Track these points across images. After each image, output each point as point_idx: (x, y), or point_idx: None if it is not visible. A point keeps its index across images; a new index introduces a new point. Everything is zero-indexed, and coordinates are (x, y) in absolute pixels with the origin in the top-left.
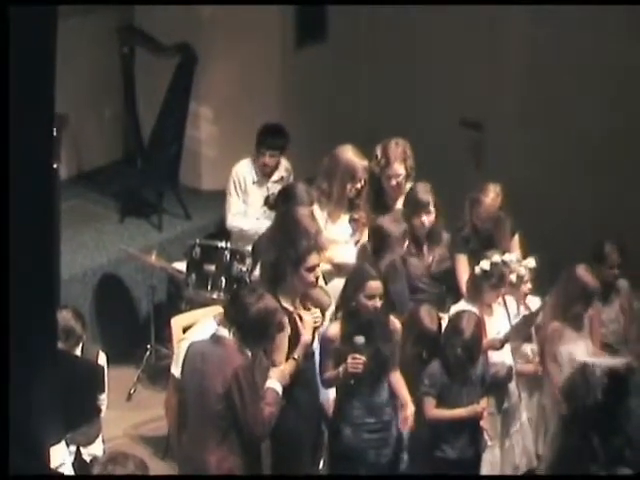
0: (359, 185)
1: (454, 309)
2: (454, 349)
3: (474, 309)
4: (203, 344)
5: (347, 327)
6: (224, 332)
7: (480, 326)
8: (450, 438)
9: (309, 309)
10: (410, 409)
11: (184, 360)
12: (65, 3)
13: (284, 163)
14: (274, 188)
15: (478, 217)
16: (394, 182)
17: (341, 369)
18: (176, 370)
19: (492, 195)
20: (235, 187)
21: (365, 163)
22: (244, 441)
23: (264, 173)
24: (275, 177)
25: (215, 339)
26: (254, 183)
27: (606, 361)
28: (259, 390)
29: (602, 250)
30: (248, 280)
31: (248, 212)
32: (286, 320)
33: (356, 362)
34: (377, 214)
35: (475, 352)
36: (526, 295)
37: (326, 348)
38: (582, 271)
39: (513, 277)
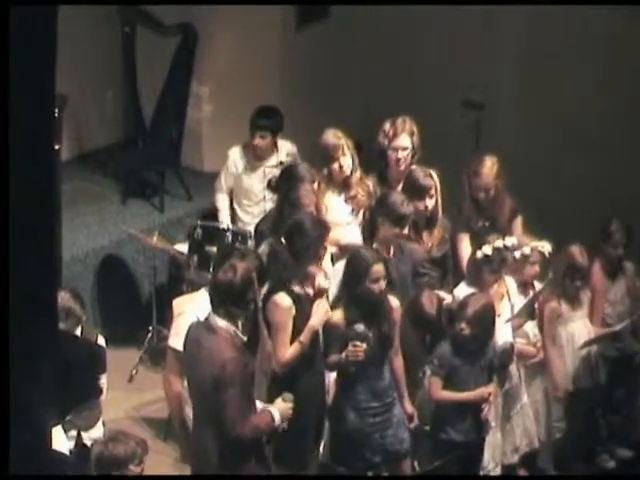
0: (347, 161)
1: (456, 292)
2: (459, 325)
3: (474, 291)
4: (199, 330)
5: (351, 313)
6: (216, 319)
7: (491, 308)
8: (455, 421)
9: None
10: (409, 404)
11: (184, 343)
12: (66, 3)
13: (286, 147)
14: (274, 173)
15: (476, 188)
16: (400, 155)
17: (343, 355)
18: (175, 343)
19: (488, 164)
20: (226, 170)
21: (340, 141)
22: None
23: (256, 156)
24: (272, 162)
25: (208, 325)
26: (247, 168)
27: (600, 333)
28: (249, 387)
29: (608, 228)
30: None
31: (248, 196)
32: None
33: (356, 350)
34: (380, 191)
35: (479, 330)
36: (532, 277)
37: (330, 334)
38: (572, 248)
39: (517, 254)
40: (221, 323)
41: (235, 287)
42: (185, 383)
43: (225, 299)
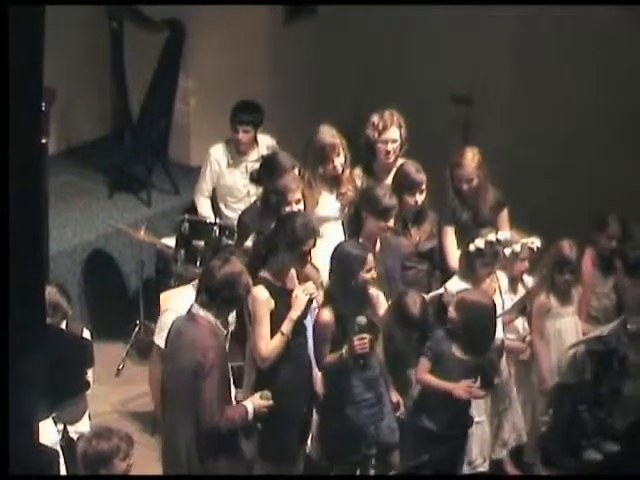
0: (340, 160)
1: (449, 285)
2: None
3: (467, 285)
4: (181, 320)
5: (345, 307)
6: (198, 309)
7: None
8: (433, 410)
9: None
10: (396, 393)
11: (167, 336)
12: (64, 3)
13: (266, 141)
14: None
15: (458, 179)
16: (389, 147)
17: (344, 351)
18: (159, 340)
19: (469, 155)
20: (207, 169)
21: (336, 141)
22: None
23: (239, 151)
24: (254, 156)
25: (190, 316)
26: (230, 165)
27: (589, 335)
28: (226, 378)
29: (605, 220)
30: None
31: (232, 193)
32: (250, 282)
33: (363, 342)
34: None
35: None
36: (522, 273)
37: (321, 334)
38: (562, 242)
39: (507, 251)
40: (203, 313)
41: (229, 281)
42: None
43: (216, 292)
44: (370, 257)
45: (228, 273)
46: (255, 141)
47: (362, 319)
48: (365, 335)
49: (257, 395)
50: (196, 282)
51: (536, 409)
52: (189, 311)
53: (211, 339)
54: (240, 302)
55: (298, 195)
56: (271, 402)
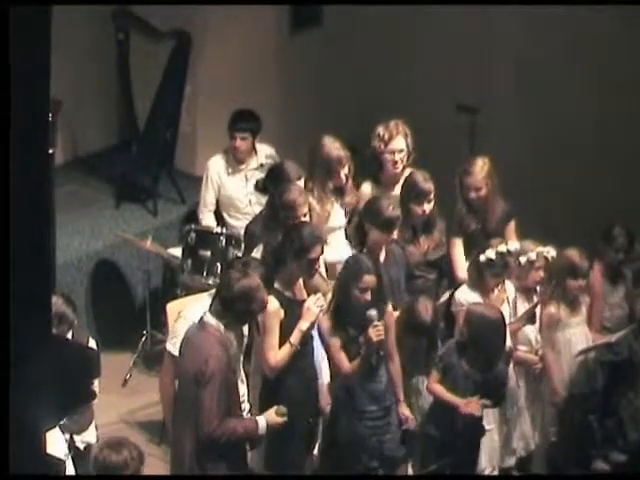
0: (344, 173)
1: (458, 294)
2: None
3: (476, 295)
4: (192, 329)
5: (338, 319)
6: (210, 318)
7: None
8: (442, 419)
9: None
10: (406, 408)
11: (180, 346)
12: (65, 3)
13: (264, 150)
14: (256, 176)
15: (467, 188)
16: (396, 157)
17: (362, 343)
18: (171, 347)
19: (480, 164)
20: (208, 181)
21: (342, 153)
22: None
23: (237, 159)
24: (253, 165)
25: (201, 324)
26: (229, 175)
27: (597, 342)
28: (229, 388)
29: (610, 232)
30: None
31: (234, 204)
32: (267, 298)
33: (378, 330)
34: (374, 193)
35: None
36: (536, 282)
37: (323, 336)
38: (572, 252)
39: (523, 260)
40: (214, 322)
41: (246, 294)
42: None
43: (231, 304)
44: (369, 278)
45: (246, 286)
46: (253, 149)
47: (373, 312)
48: (378, 323)
49: (272, 410)
50: (212, 291)
51: (545, 419)
52: (201, 319)
53: (216, 348)
54: (253, 317)
55: (305, 209)
56: (286, 419)
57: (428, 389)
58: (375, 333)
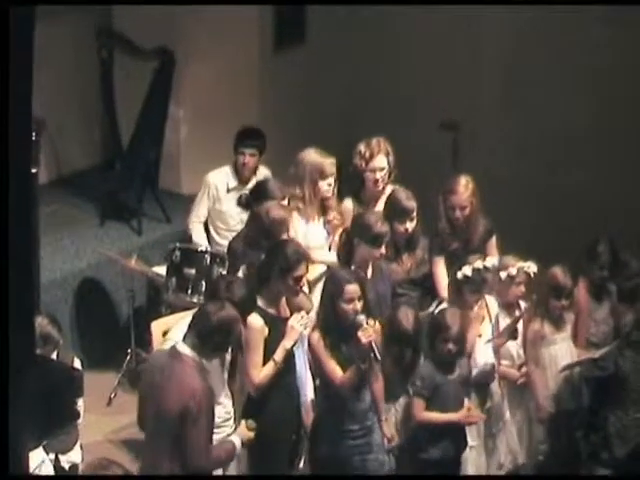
0: (330, 181)
1: (432, 310)
2: (444, 345)
3: (446, 307)
4: (163, 357)
5: (329, 337)
6: (183, 347)
7: (466, 320)
8: (433, 438)
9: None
10: (390, 427)
11: (143, 369)
12: (62, 3)
13: (262, 170)
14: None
15: (451, 207)
16: (378, 176)
17: (355, 349)
18: None
19: (463, 183)
20: (205, 195)
21: (331, 160)
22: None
23: (242, 177)
24: (252, 184)
25: (174, 354)
26: (229, 191)
27: (581, 358)
28: (213, 418)
29: (595, 249)
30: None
31: (225, 221)
32: (242, 331)
33: (367, 331)
34: (357, 211)
35: (463, 346)
36: (518, 297)
37: (314, 352)
38: (555, 269)
39: (503, 275)
40: (188, 351)
41: (223, 328)
42: None
43: (208, 337)
44: (352, 287)
45: (223, 319)
46: (257, 168)
47: (361, 316)
48: (367, 325)
49: (242, 425)
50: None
51: (533, 436)
52: (173, 347)
53: (199, 380)
54: (228, 349)
55: (289, 226)
56: (255, 431)
57: (419, 421)
58: (365, 335)
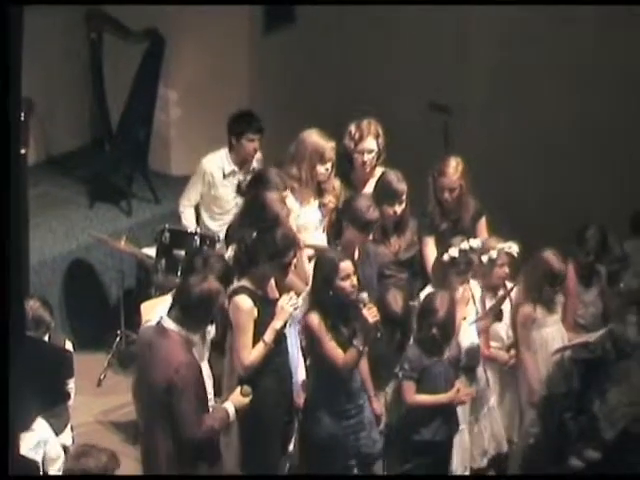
0: (328, 166)
1: (422, 296)
2: (430, 329)
3: (434, 291)
4: (151, 332)
5: (328, 316)
6: (168, 323)
7: (453, 304)
8: (426, 421)
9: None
10: (378, 403)
11: (136, 345)
12: (63, 3)
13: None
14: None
15: (441, 188)
16: (366, 158)
17: (359, 329)
18: None
19: (453, 164)
20: (200, 181)
21: (332, 144)
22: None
23: (240, 162)
24: (251, 171)
25: (160, 329)
26: (225, 177)
27: (575, 341)
28: (202, 389)
29: (584, 234)
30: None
31: (220, 205)
32: (225, 303)
33: (373, 310)
34: (345, 194)
35: (450, 330)
36: (502, 279)
37: (313, 336)
38: (548, 255)
39: (484, 259)
40: (174, 327)
41: (205, 300)
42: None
43: (191, 310)
44: (345, 264)
45: (205, 292)
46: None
47: (364, 294)
48: (371, 304)
49: (237, 391)
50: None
51: (524, 420)
52: (159, 323)
53: (183, 354)
54: (211, 321)
55: (283, 212)
56: (251, 397)
57: (410, 403)
58: (371, 314)
